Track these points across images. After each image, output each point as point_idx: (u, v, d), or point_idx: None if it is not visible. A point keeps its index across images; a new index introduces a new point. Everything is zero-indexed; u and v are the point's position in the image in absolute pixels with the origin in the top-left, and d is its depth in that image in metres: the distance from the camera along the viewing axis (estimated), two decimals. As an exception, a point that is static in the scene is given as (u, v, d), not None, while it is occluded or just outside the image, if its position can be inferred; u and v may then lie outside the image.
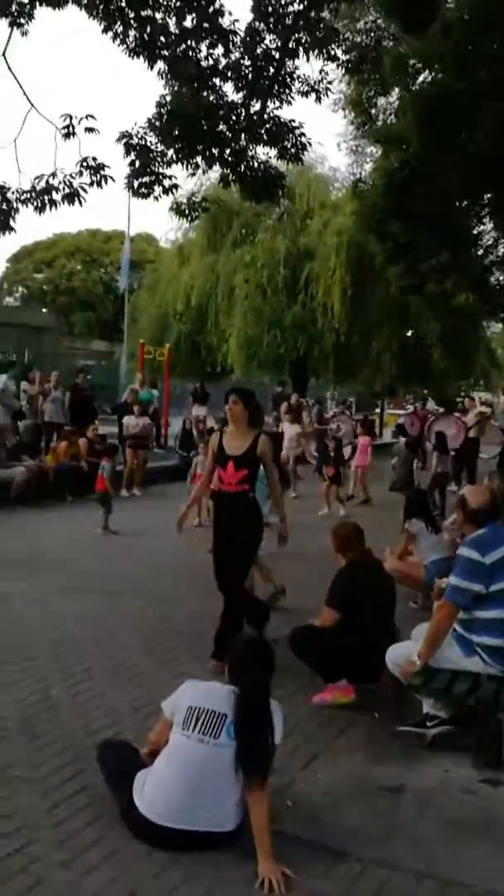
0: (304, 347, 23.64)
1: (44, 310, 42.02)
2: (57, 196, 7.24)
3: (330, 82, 9.27)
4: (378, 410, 32.92)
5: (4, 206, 7.29)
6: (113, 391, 31.96)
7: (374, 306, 23.37)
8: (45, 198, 7.22)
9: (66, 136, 7.21)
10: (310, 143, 9.39)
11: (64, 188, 7.25)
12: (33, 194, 7.27)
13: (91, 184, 7.27)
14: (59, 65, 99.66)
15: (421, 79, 11.03)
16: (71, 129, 7.21)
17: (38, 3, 8.72)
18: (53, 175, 7.24)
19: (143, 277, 33.27)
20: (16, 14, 8.78)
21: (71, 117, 7.20)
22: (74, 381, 15.56)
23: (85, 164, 7.27)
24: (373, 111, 16.02)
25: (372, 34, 13.14)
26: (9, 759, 4.27)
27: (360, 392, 38.50)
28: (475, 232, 14.51)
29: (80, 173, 7.29)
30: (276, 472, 6.14)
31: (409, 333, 24.97)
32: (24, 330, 22.79)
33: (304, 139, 9.33)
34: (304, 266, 23.78)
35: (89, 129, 7.18)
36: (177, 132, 8.56)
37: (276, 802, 3.83)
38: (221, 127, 8.97)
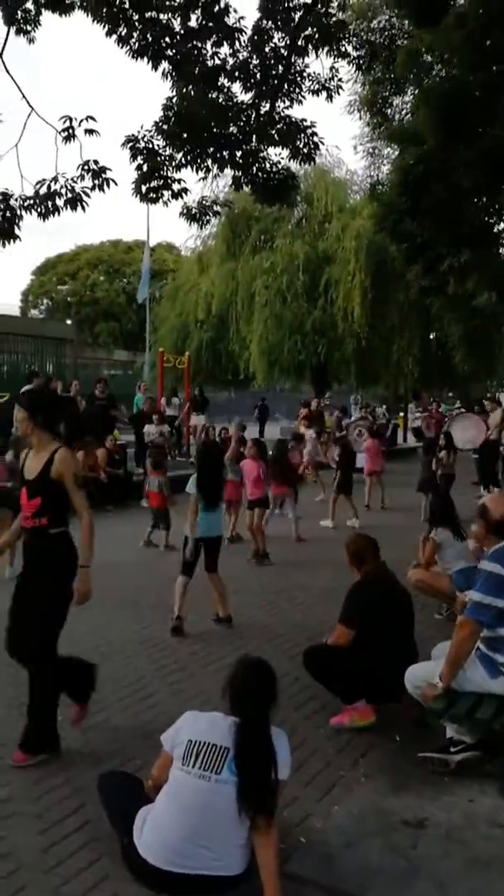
0: (324, 352, 23.37)
1: (68, 321, 42.01)
2: (59, 201, 7.07)
3: (341, 80, 9.04)
4: (402, 414, 32.48)
5: (8, 214, 7.13)
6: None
7: (395, 310, 23.11)
8: (48, 203, 7.04)
9: (67, 138, 7.03)
10: (322, 143, 9.17)
11: (66, 193, 7.07)
12: (36, 200, 7.09)
13: (93, 188, 7.08)
14: (66, 69, 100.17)
15: (434, 73, 10.76)
16: (71, 131, 7.02)
17: (43, 9, 8.59)
18: (55, 180, 7.06)
19: (165, 286, 33.19)
20: (21, 21, 8.66)
21: (71, 119, 7.02)
22: (92, 391, 15.40)
23: (87, 167, 7.08)
24: (388, 111, 15.78)
25: (385, 33, 12.90)
26: (7, 792, 4.06)
27: (384, 396, 38.19)
28: (495, 230, 14.17)
29: (82, 177, 7.11)
30: (83, 504, 4.65)
31: (430, 336, 24.61)
32: (44, 341, 22.70)
33: (316, 139, 9.11)
34: (324, 271, 23.53)
35: (89, 132, 6.98)
36: (185, 135, 8.35)
37: (287, 840, 3.59)
38: (231, 128, 8.75)
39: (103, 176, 7.08)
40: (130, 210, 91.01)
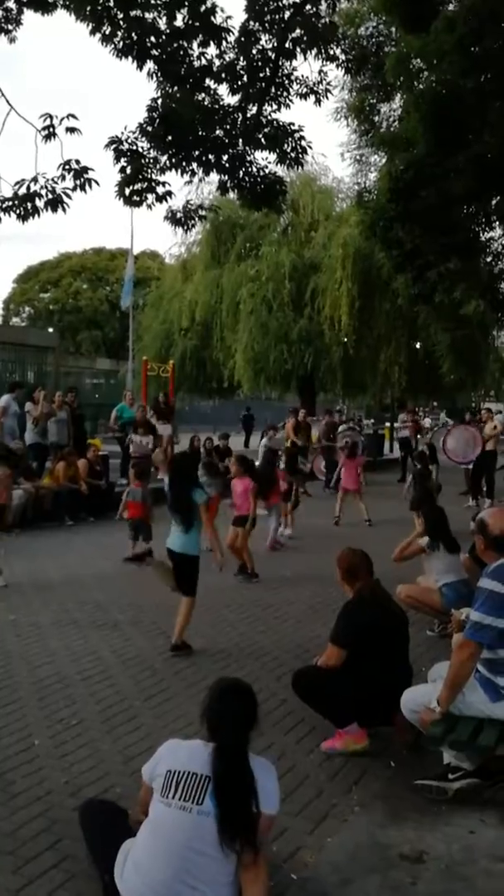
0: (311, 361, 23.19)
1: (50, 329, 41.72)
2: (40, 202, 6.83)
3: (329, 83, 8.86)
4: (388, 424, 32.38)
5: (-14, 216, 6.89)
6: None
7: (382, 318, 22.98)
8: (28, 205, 6.80)
9: (47, 137, 6.79)
10: (310, 147, 8.97)
11: (47, 194, 6.83)
12: (15, 202, 6.86)
13: (75, 188, 6.85)
14: (48, 69, 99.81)
15: (424, 79, 10.63)
16: (51, 129, 6.79)
17: (25, 9, 8.38)
18: (35, 180, 6.83)
19: (148, 294, 32.95)
20: (3, 20, 8.44)
21: (51, 117, 6.80)
22: (64, 402, 15.08)
23: (68, 167, 6.85)
24: (375, 118, 15.67)
25: (373, 39, 12.79)
26: (-20, 826, 3.80)
27: (369, 406, 38.10)
28: (483, 238, 14.07)
29: (63, 177, 6.87)
30: None
31: (417, 345, 24.49)
32: (26, 349, 22.36)
33: (304, 143, 8.92)
34: (310, 279, 23.38)
35: (71, 130, 6.76)
36: (169, 137, 8.14)
37: (277, 877, 3.37)
38: (217, 131, 8.56)
39: (85, 176, 6.85)
40: (114, 218, 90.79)
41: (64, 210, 6.78)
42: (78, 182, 6.83)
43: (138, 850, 3.04)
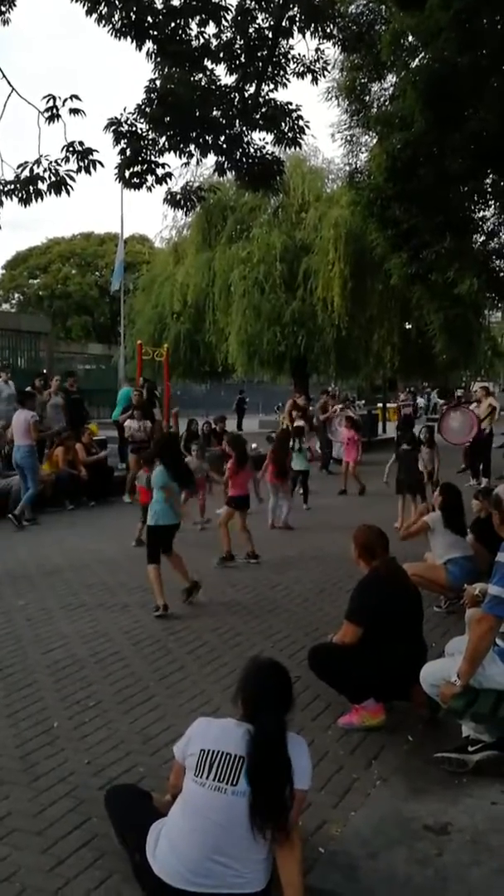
0: (304, 343, 23.11)
1: (40, 314, 41.52)
2: (43, 185, 6.77)
3: (326, 62, 8.79)
4: (380, 405, 32.40)
5: (-12, 200, 6.83)
6: (112, 394, 31.53)
7: (374, 299, 22.86)
8: (30, 188, 6.75)
9: (50, 119, 6.72)
10: (308, 127, 8.91)
11: (50, 176, 6.77)
12: (17, 185, 6.80)
13: (79, 170, 6.79)
14: (46, 50, 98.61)
15: (419, 57, 10.56)
16: (55, 111, 6.71)
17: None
18: (38, 163, 6.76)
19: (138, 278, 32.77)
20: (-5, 2, 8.34)
21: (54, 98, 6.72)
22: (63, 386, 15.06)
23: (71, 148, 6.79)
24: (366, 98, 15.57)
25: (364, 17, 12.69)
26: (7, 807, 3.83)
27: (361, 387, 38.08)
28: (477, 217, 14.05)
29: (67, 159, 6.81)
30: None
31: (410, 325, 24.43)
32: (19, 335, 22.27)
33: (301, 122, 8.86)
34: (302, 261, 23.24)
35: (74, 111, 6.69)
36: (167, 119, 8.08)
37: (306, 850, 3.39)
38: (214, 112, 8.49)
39: (90, 158, 6.80)
40: (102, 203, 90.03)
41: (68, 193, 6.73)
42: (82, 164, 6.77)
43: (172, 829, 3.06)
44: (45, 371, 16.40)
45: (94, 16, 7.37)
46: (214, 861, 2.93)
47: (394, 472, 11.42)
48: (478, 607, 5.30)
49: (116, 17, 7.23)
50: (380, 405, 32.32)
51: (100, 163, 6.85)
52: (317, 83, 8.84)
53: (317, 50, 8.64)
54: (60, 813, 3.78)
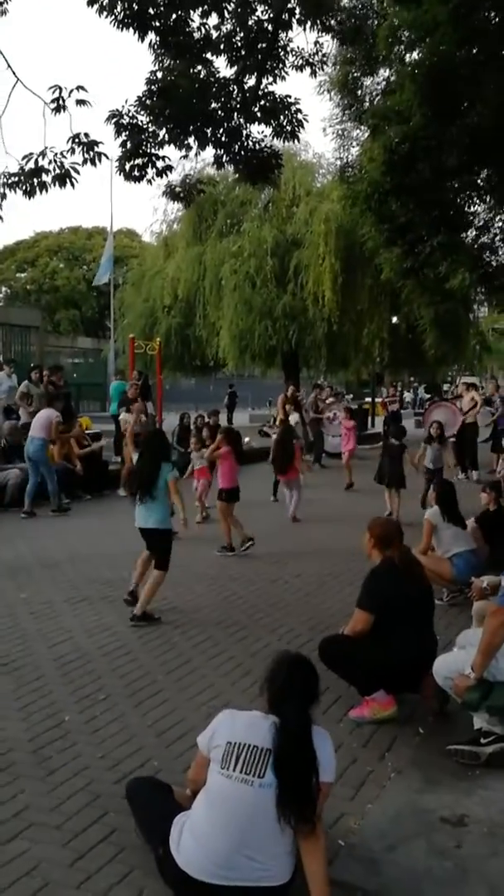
0: (295, 337, 23.10)
1: (31, 308, 41.32)
2: (47, 178, 6.72)
3: (325, 55, 8.79)
4: (369, 399, 32.43)
5: (-10, 193, 6.77)
6: (101, 388, 31.44)
7: (365, 293, 22.89)
8: (35, 180, 6.70)
9: (56, 109, 6.67)
10: (306, 120, 8.90)
11: (55, 168, 6.72)
12: (21, 177, 6.75)
13: (84, 162, 6.75)
14: (46, 44, 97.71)
15: (417, 52, 10.54)
16: (61, 101, 6.67)
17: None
18: (43, 154, 6.71)
19: (128, 272, 32.67)
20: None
21: (60, 89, 6.66)
22: (49, 380, 14.98)
23: (77, 140, 6.74)
24: (358, 92, 15.54)
25: (357, 11, 12.66)
26: (24, 801, 3.82)
27: (349, 381, 38.08)
28: (471, 211, 14.06)
29: (73, 151, 6.76)
30: None
31: (400, 320, 24.47)
32: (8, 328, 22.18)
33: (300, 116, 8.86)
34: (293, 255, 23.21)
35: (81, 102, 6.65)
36: (167, 111, 8.04)
37: (326, 842, 3.41)
38: (213, 105, 8.47)
39: (95, 149, 6.75)
40: (89, 196, 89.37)
41: (73, 185, 6.68)
42: (88, 156, 6.73)
43: (196, 822, 3.06)
44: (39, 365, 16.29)
45: (95, 7, 7.31)
46: (240, 854, 2.94)
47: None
48: (485, 600, 5.35)
49: (119, 7, 7.18)
50: (368, 399, 32.34)
51: (105, 155, 6.83)
52: (315, 76, 8.88)
53: (316, 43, 8.63)
54: (77, 807, 3.77)
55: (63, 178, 6.68)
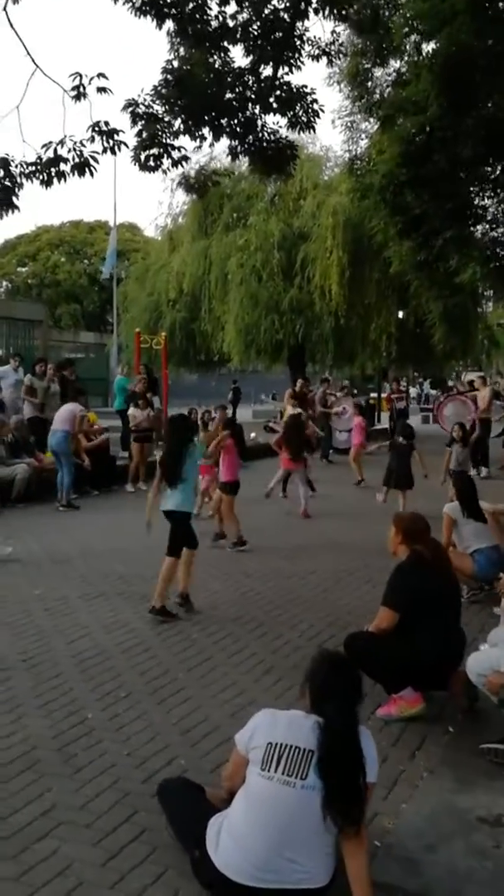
0: (302, 332, 23.00)
1: (34, 302, 41.19)
2: (65, 167, 6.63)
3: (342, 45, 8.68)
4: (374, 395, 32.30)
5: (7, 182, 6.66)
6: (104, 383, 31.34)
7: (373, 287, 22.75)
8: (53, 170, 6.61)
9: (77, 97, 6.57)
10: (322, 111, 8.80)
11: (74, 157, 6.62)
12: (38, 166, 6.65)
13: (104, 151, 6.65)
14: (54, 32, 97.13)
15: (434, 42, 10.43)
16: (81, 89, 6.57)
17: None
18: (62, 143, 6.61)
19: (130, 266, 32.55)
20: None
21: (81, 76, 6.57)
22: (61, 374, 14.92)
23: (97, 128, 6.64)
24: (369, 84, 15.44)
25: (373, 1, 12.55)
26: (51, 799, 3.75)
27: (353, 376, 37.99)
28: (483, 204, 13.96)
29: (92, 139, 6.67)
30: None
31: (408, 314, 24.35)
32: (12, 323, 22.07)
33: (316, 106, 8.76)
34: (300, 248, 23.10)
35: (101, 90, 6.55)
36: (181, 101, 7.94)
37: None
38: (228, 95, 8.36)
39: (115, 138, 6.66)
40: (91, 190, 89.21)
41: (91, 174, 6.57)
42: (108, 144, 6.63)
43: (236, 823, 2.99)
44: (43, 358, 16.19)
45: (111, -6, 7.20)
46: (280, 856, 2.87)
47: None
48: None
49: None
50: (373, 395, 32.21)
51: (125, 143, 6.74)
52: (332, 65, 8.75)
53: (333, 32, 8.53)
54: (106, 806, 3.70)
55: (82, 166, 6.59)
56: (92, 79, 6.53)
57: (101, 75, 6.50)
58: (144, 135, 7.50)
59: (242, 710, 4.74)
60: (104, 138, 6.60)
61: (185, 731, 4.50)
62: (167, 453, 6.85)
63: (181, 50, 7.83)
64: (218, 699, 4.96)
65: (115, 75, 7.17)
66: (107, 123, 6.62)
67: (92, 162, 6.59)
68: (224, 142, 8.91)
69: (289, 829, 2.88)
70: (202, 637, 6.11)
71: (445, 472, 11.40)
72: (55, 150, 6.58)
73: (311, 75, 63.14)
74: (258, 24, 8.00)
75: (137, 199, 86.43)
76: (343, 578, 7.92)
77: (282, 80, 8.44)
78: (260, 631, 6.26)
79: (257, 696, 4.96)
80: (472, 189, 12.50)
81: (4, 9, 6.26)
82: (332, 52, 8.74)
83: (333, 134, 68.00)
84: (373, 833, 3.50)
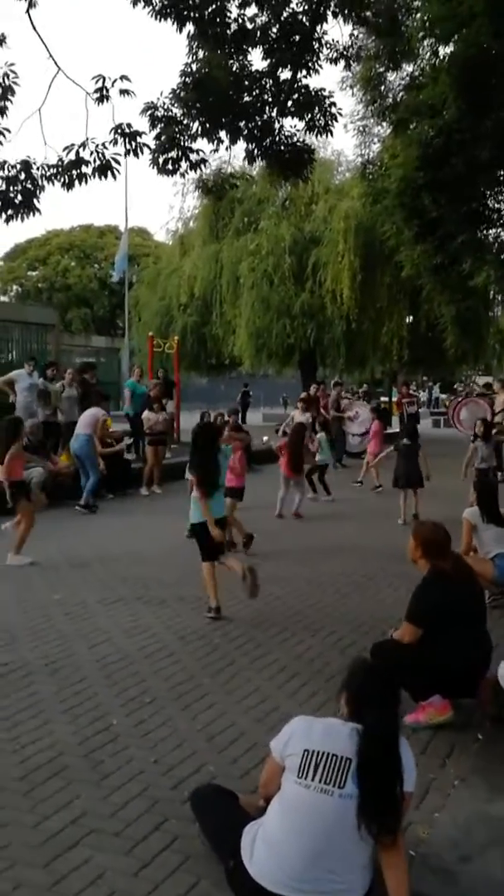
0: (314, 336, 22.98)
1: (46, 306, 41.24)
2: (87, 169, 6.60)
3: (360, 47, 8.65)
4: (384, 398, 32.20)
5: (29, 185, 6.65)
6: (115, 387, 31.32)
7: (384, 291, 22.74)
8: (74, 172, 6.59)
9: (99, 100, 6.57)
10: (340, 114, 8.78)
11: (96, 160, 6.60)
12: (60, 169, 6.63)
13: (127, 153, 6.63)
14: (70, 35, 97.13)
15: (451, 45, 10.39)
16: (104, 91, 6.55)
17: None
18: (83, 146, 6.60)
19: (141, 271, 32.55)
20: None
21: (104, 79, 6.56)
22: (82, 378, 14.96)
23: (120, 130, 6.62)
24: (382, 88, 15.40)
25: (392, 4, 12.52)
26: (80, 807, 3.71)
27: (361, 381, 37.92)
28: (497, 208, 13.91)
29: (115, 142, 6.65)
30: None
31: (409, 319, 24.31)
32: (25, 327, 22.04)
33: (333, 110, 8.73)
34: (311, 253, 23.11)
35: (124, 92, 6.54)
36: (199, 104, 7.92)
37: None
38: (246, 98, 8.34)
39: (138, 140, 6.64)
40: (101, 194, 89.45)
41: (114, 176, 6.57)
42: (130, 147, 6.61)
43: (271, 832, 2.94)
44: (55, 361, 16.19)
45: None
46: (317, 866, 2.82)
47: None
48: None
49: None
50: (384, 399, 32.12)
51: (147, 146, 6.72)
52: (350, 68, 8.71)
53: (351, 35, 8.50)
54: (136, 814, 3.66)
55: (105, 169, 6.57)
56: (115, 81, 6.53)
57: (123, 77, 6.50)
58: (163, 137, 7.47)
59: (268, 716, 4.71)
60: (126, 140, 6.59)
61: (211, 738, 4.46)
62: (203, 463, 6.89)
63: (200, 53, 7.81)
64: (243, 705, 4.92)
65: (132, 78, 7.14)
66: (129, 125, 6.61)
67: (114, 164, 6.58)
68: (239, 145, 8.90)
69: (325, 838, 2.83)
70: (224, 642, 6.07)
71: (466, 468, 11.42)
72: (77, 153, 6.58)
73: (324, 79, 63.23)
74: (277, 26, 7.97)
75: (147, 204, 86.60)
76: (362, 583, 7.87)
77: (300, 84, 8.40)
78: (282, 636, 6.22)
79: (282, 702, 4.92)
80: (487, 192, 12.47)
81: (27, 12, 6.25)
82: (351, 56, 8.70)
83: (345, 138, 67.95)
84: (407, 842, 3.44)
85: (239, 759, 4.19)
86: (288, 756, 2.99)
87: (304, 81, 8.63)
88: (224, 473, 7.07)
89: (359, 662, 3.18)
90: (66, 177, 6.61)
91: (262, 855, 2.92)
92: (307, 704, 4.84)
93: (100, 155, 6.59)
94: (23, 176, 6.63)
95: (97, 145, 6.60)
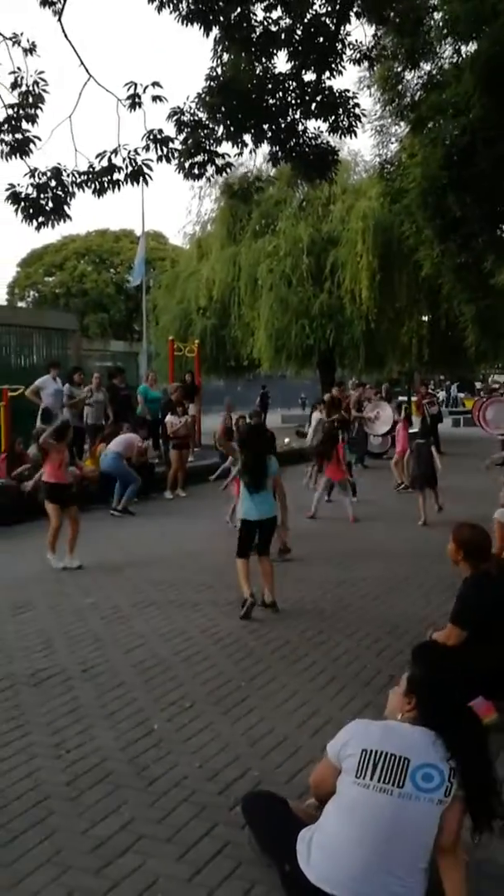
0: (333, 336, 22.94)
1: (66, 312, 41.38)
2: (119, 175, 6.62)
3: (384, 47, 8.63)
4: (404, 398, 32.07)
5: (60, 192, 6.67)
6: (134, 392, 31.35)
7: (403, 291, 22.64)
8: (105, 179, 6.61)
9: (132, 106, 6.58)
10: (364, 115, 8.76)
11: (128, 166, 6.61)
12: (91, 175, 6.65)
13: (159, 159, 6.64)
14: (102, 41, 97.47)
15: (474, 43, 10.34)
16: (137, 98, 6.56)
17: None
18: (115, 152, 6.61)
19: (158, 275, 32.61)
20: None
21: (136, 85, 6.57)
22: (111, 383, 15.04)
23: (152, 136, 6.63)
24: (399, 87, 15.37)
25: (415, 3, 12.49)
26: (129, 812, 3.71)
27: (379, 380, 37.79)
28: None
29: (147, 148, 6.66)
30: None
31: (426, 318, 24.19)
32: (45, 332, 22.14)
33: (357, 111, 8.71)
34: (329, 253, 23.06)
35: (157, 98, 6.55)
36: (224, 108, 7.92)
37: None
38: (270, 100, 8.34)
39: (170, 145, 6.66)
40: (117, 199, 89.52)
41: (146, 182, 6.60)
42: (162, 152, 6.63)
43: (329, 835, 2.92)
44: (79, 367, 16.25)
45: (156, 3, 7.20)
46: (377, 867, 2.79)
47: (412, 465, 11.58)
48: None
49: (184, 3, 7.08)
50: (403, 398, 31.99)
51: (178, 151, 6.72)
52: (373, 69, 8.70)
53: (375, 35, 8.47)
54: (184, 819, 3.66)
55: (136, 175, 6.59)
56: (146, 87, 6.54)
57: (155, 84, 6.51)
58: (190, 142, 7.48)
59: (309, 721, 4.71)
60: (158, 146, 6.60)
61: (253, 742, 4.45)
62: (251, 458, 7.09)
63: (225, 57, 7.81)
64: (282, 709, 4.90)
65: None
66: (160, 131, 6.62)
67: (146, 170, 6.60)
68: (263, 148, 8.90)
69: (386, 838, 2.80)
70: (259, 645, 6.06)
71: (492, 461, 11.38)
72: (109, 159, 6.59)
73: (341, 80, 63.23)
74: (301, 28, 7.96)
75: (163, 208, 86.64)
76: (396, 586, 7.84)
77: (324, 85, 8.39)
78: (319, 639, 6.20)
79: (322, 706, 4.91)
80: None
81: (59, 19, 6.27)
82: (374, 56, 8.68)
83: (362, 138, 67.83)
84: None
85: (283, 764, 4.18)
86: (346, 757, 2.96)
87: (328, 83, 8.63)
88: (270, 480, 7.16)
89: (423, 659, 3.19)
90: (98, 183, 6.64)
91: (320, 857, 2.90)
92: (347, 708, 4.83)
93: (132, 161, 6.61)
94: (53, 183, 6.66)
95: (129, 151, 6.62)
